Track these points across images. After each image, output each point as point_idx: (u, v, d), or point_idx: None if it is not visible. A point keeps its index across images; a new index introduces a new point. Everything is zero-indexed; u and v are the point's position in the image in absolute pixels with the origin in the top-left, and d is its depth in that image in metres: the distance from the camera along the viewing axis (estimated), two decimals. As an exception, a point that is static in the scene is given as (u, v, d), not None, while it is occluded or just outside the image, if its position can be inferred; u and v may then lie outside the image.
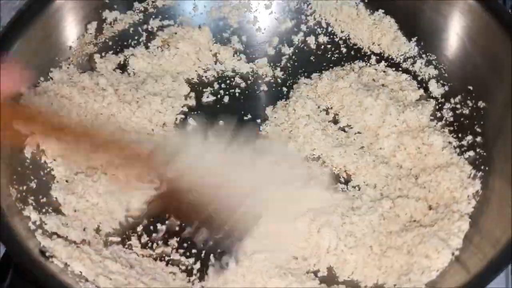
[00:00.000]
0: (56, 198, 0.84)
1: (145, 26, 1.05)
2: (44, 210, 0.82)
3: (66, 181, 0.87)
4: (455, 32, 0.98)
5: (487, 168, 0.87)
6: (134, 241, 0.84)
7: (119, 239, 0.84)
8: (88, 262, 0.76)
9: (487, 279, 0.71)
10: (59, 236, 0.79)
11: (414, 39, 1.03)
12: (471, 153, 0.90)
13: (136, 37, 1.04)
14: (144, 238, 0.84)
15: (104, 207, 0.85)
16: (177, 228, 0.85)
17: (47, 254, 0.74)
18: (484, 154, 0.89)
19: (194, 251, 0.83)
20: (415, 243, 0.81)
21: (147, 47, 1.04)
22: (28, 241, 0.74)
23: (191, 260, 0.83)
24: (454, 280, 0.75)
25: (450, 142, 0.91)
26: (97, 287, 0.74)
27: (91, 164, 0.85)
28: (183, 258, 0.83)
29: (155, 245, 0.84)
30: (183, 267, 0.82)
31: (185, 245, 0.84)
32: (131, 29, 1.04)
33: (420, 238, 0.81)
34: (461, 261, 0.78)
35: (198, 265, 0.82)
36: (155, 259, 0.82)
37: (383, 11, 1.05)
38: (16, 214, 0.77)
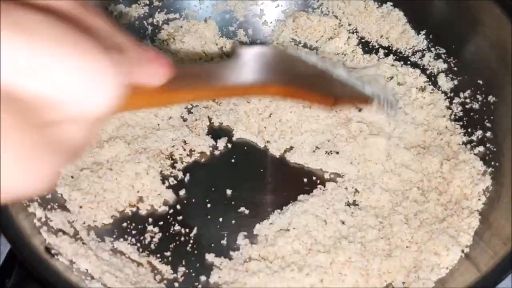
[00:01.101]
0: (61, 194, 0.84)
1: (150, 20, 1.04)
2: (49, 207, 0.81)
3: (72, 177, 0.86)
4: (464, 25, 0.96)
5: (497, 164, 0.86)
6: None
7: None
8: (94, 260, 0.76)
9: (498, 277, 0.70)
10: (64, 233, 0.79)
11: (423, 32, 1.01)
12: (481, 148, 0.89)
13: (141, 31, 1.03)
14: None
15: (110, 204, 0.84)
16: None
17: (52, 251, 0.74)
18: (494, 149, 0.88)
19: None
20: (424, 240, 0.80)
21: (152, 41, 1.03)
22: (33, 238, 0.74)
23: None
24: (464, 278, 0.74)
25: (464, 142, 0.91)
26: (103, 285, 0.73)
27: None
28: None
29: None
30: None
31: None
32: (137, 22, 1.03)
33: (429, 235, 0.80)
34: (471, 258, 0.78)
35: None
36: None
37: (391, 3, 1.04)
38: (21, 210, 0.76)
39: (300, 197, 0.86)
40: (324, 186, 0.87)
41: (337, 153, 0.90)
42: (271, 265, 0.79)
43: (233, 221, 0.85)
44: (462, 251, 0.79)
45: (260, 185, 0.89)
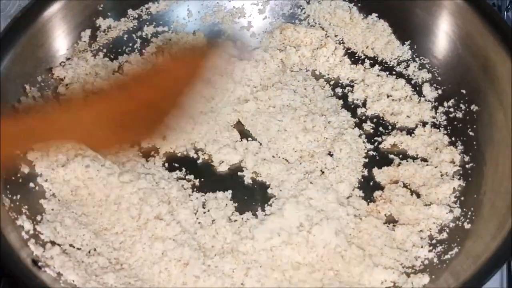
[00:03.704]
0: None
1: (139, 33, 1.05)
2: (38, 219, 0.82)
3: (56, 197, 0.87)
4: (447, 35, 0.98)
5: (479, 172, 0.87)
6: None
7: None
8: (82, 271, 0.77)
9: (477, 285, 0.71)
10: (53, 244, 0.80)
11: (407, 42, 1.03)
12: (464, 157, 0.91)
13: (130, 44, 1.04)
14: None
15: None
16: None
17: (39, 263, 0.75)
18: (477, 158, 0.89)
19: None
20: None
21: (141, 54, 1.04)
22: (21, 250, 0.75)
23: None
24: (442, 287, 0.76)
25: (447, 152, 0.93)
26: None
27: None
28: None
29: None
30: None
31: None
32: (125, 36, 1.05)
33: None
34: (451, 266, 0.79)
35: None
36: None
37: (376, 15, 1.05)
38: (9, 223, 0.78)
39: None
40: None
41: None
42: None
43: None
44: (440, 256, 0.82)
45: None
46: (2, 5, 1.11)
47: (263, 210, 0.87)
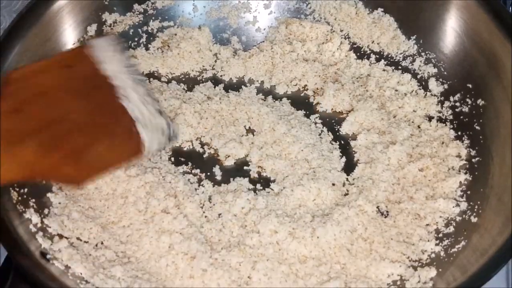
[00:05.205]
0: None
1: (145, 28, 1.06)
2: (46, 212, 0.83)
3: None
4: (453, 30, 0.98)
5: (485, 167, 0.87)
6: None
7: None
8: (90, 264, 0.77)
9: (483, 279, 0.71)
10: (60, 237, 0.80)
11: (413, 37, 1.03)
12: (471, 151, 0.91)
13: (136, 39, 1.05)
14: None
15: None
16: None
17: (47, 256, 0.75)
18: (483, 152, 0.89)
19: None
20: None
21: (147, 49, 1.04)
22: (29, 243, 0.75)
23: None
24: (448, 280, 0.76)
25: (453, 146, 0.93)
26: (97, 288, 0.75)
27: None
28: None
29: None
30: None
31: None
32: (131, 30, 1.05)
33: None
34: (457, 260, 0.79)
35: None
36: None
37: (382, 9, 1.05)
38: (17, 217, 0.78)
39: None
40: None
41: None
42: None
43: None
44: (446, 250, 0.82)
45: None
46: (7, 1, 1.12)
47: (268, 204, 0.87)
